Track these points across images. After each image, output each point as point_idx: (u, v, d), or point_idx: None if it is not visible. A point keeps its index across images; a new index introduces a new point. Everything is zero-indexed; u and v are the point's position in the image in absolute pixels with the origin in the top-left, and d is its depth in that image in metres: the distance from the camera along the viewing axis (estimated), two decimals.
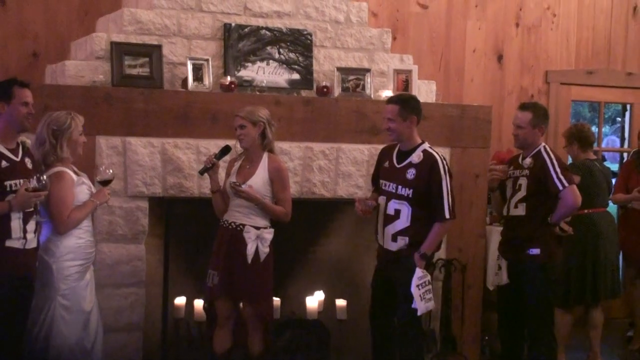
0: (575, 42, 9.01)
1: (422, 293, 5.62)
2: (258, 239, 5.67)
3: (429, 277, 5.71)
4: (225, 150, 5.79)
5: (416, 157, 5.74)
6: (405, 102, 5.82)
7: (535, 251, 6.03)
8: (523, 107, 6.24)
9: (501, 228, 6.52)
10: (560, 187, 5.95)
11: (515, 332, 6.29)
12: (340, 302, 6.91)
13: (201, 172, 5.76)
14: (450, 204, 5.67)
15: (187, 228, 6.55)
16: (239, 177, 5.69)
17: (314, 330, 6.88)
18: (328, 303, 6.98)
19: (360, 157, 6.71)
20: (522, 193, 6.09)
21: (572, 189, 5.97)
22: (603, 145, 10.77)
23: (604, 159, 9.84)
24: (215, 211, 5.87)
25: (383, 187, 5.86)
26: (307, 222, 7.12)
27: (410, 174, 5.72)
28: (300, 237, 7.14)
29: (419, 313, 5.67)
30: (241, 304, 5.83)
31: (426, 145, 5.81)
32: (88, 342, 5.35)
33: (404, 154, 5.82)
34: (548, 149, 6.14)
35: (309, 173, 6.60)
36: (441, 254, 6.93)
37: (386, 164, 5.92)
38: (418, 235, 5.68)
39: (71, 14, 7.30)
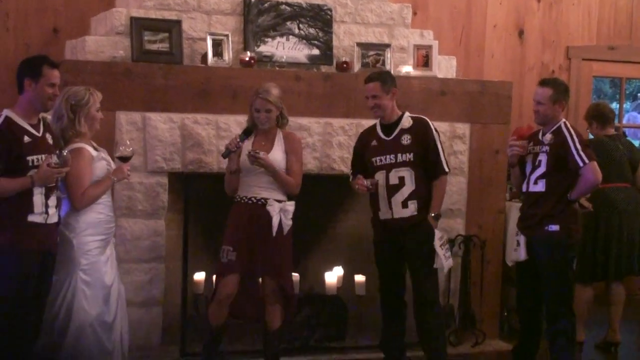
0: (597, 17, 8.95)
1: (444, 252, 5.83)
2: (281, 211, 5.72)
3: (446, 236, 5.96)
4: (248, 132, 5.76)
5: (406, 122, 5.91)
6: (385, 77, 5.95)
7: (554, 228, 5.96)
8: (543, 82, 6.19)
9: (520, 204, 6.49)
10: (581, 164, 5.88)
11: (533, 308, 6.26)
12: (359, 278, 6.92)
13: (225, 155, 5.72)
14: (446, 160, 5.94)
15: (206, 203, 6.56)
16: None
17: (332, 306, 6.90)
18: (347, 279, 6.99)
19: None
20: (541, 169, 6.04)
21: (593, 165, 5.90)
22: (624, 121, 10.70)
23: (625, 135, 9.78)
24: (227, 189, 5.87)
25: (377, 164, 5.91)
26: (326, 197, 7.12)
27: (406, 139, 5.86)
28: (319, 212, 7.15)
29: (445, 270, 5.99)
30: (260, 279, 5.84)
31: (408, 113, 5.98)
32: (109, 316, 5.37)
33: (390, 127, 5.94)
34: (568, 125, 6.07)
35: (329, 149, 6.60)
36: (460, 229, 6.94)
37: (373, 143, 5.99)
38: (425, 197, 5.86)
39: None
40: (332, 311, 6.90)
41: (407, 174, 5.82)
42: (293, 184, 5.81)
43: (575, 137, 5.95)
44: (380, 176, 5.89)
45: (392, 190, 5.86)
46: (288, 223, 5.76)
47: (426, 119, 5.94)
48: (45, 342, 5.22)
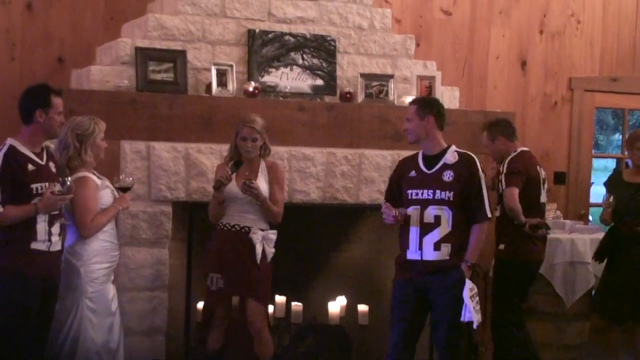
0: (600, 49, 8.98)
1: (474, 305, 5.31)
2: (264, 240, 5.80)
3: (476, 289, 5.39)
4: (238, 164, 5.81)
5: (451, 157, 5.45)
6: (424, 102, 5.62)
7: (502, 246, 6.46)
8: (481, 128, 6.65)
9: None
10: (500, 190, 6.46)
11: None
12: (362, 308, 6.92)
13: (216, 188, 5.79)
14: (489, 203, 5.46)
15: (210, 233, 6.56)
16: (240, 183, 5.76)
17: (335, 336, 6.90)
18: (350, 308, 6.99)
19: (383, 162, 6.71)
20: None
21: (508, 191, 6.39)
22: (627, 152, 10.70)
23: (627, 167, 9.77)
24: (212, 218, 5.96)
25: (414, 197, 5.42)
26: (330, 227, 7.15)
27: (448, 175, 5.40)
28: (322, 242, 7.17)
29: (475, 326, 5.35)
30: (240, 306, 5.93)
31: (455, 147, 5.54)
32: (114, 343, 5.41)
33: (432, 159, 5.49)
34: (512, 155, 6.53)
35: (332, 178, 6.61)
36: None
37: (412, 174, 5.50)
38: (460, 241, 5.37)
39: (96, 20, 7.36)
40: (335, 341, 6.89)
41: (445, 213, 5.34)
42: (277, 212, 5.88)
43: (506, 164, 6.47)
44: (414, 212, 5.41)
45: (426, 229, 5.38)
46: (271, 251, 5.86)
47: (473, 156, 5.50)
48: None
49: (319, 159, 6.57)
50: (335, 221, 7.15)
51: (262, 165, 5.91)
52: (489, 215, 5.44)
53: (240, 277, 5.78)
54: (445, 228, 5.35)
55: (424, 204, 5.37)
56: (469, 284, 5.28)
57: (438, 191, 5.36)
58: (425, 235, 5.37)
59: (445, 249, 5.35)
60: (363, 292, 7.16)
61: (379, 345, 6.95)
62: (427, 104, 5.55)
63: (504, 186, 6.36)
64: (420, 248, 5.39)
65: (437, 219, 5.34)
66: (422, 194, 5.40)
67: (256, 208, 5.81)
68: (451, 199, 5.34)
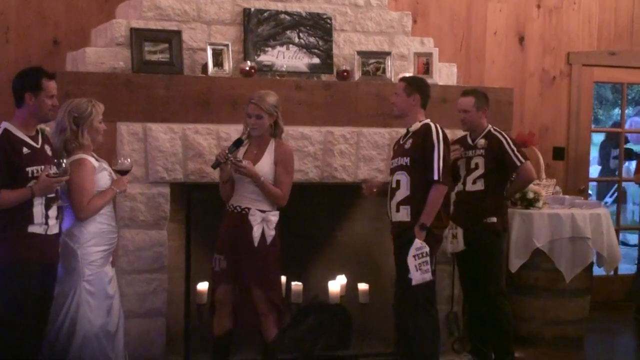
0: (598, 23, 8.93)
1: (418, 263, 5.67)
2: (264, 221, 5.71)
3: (427, 249, 5.69)
4: (238, 143, 5.76)
5: (414, 127, 5.92)
6: (411, 80, 6.09)
7: (493, 219, 6.39)
8: (465, 93, 6.53)
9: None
10: (518, 164, 6.39)
11: (476, 295, 6.56)
12: (363, 286, 6.91)
13: (214, 167, 5.77)
14: (441, 168, 5.74)
15: (208, 213, 6.55)
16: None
17: (336, 314, 6.89)
18: (350, 287, 6.98)
19: (381, 140, 6.69)
20: (479, 171, 6.44)
21: (528, 164, 6.44)
22: (626, 126, 10.69)
23: (627, 141, 9.76)
24: (224, 199, 5.91)
25: (390, 166, 6.08)
26: (329, 206, 7.14)
27: (408, 143, 5.90)
28: (322, 221, 7.16)
29: (413, 283, 5.69)
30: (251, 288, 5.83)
31: (428, 120, 5.95)
32: (112, 326, 5.40)
33: (408, 132, 6.00)
34: (498, 129, 6.51)
35: (330, 157, 6.59)
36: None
37: (396, 147, 6.16)
38: (420, 204, 5.77)
39: (91, 1, 7.32)
40: (335, 320, 6.89)
41: (403, 178, 5.87)
42: (279, 195, 5.77)
43: (509, 139, 6.48)
44: (390, 178, 6.02)
45: (392, 192, 5.93)
46: (271, 233, 5.73)
47: (432, 125, 5.87)
48: (49, 353, 5.23)
49: (316, 137, 6.55)
50: (334, 200, 7.13)
51: (272, 145, 5.82)
52: (435, 177, 5.74)
53: (240, 260, 5.72)
54: (404, 192, 5.86)
55: (394, 170, 5.98)
56: (417, 243, 5.68)
57: (400, 157, 5.91)
58: (392, 199, 5.94)
59: (405, 211, 5.86)
60: (363, 270, 7.15)
61: (379, 323, 6.95)
62: (415, 83, 6.03)
63: (522, 160, 6.38)
64: (390, 210, 5.96)
65: (398, 183, 5.90)
66: (393, 162, 6.03)
67: (258, 189, 5.73)
68: (408, 164, 5.85)
